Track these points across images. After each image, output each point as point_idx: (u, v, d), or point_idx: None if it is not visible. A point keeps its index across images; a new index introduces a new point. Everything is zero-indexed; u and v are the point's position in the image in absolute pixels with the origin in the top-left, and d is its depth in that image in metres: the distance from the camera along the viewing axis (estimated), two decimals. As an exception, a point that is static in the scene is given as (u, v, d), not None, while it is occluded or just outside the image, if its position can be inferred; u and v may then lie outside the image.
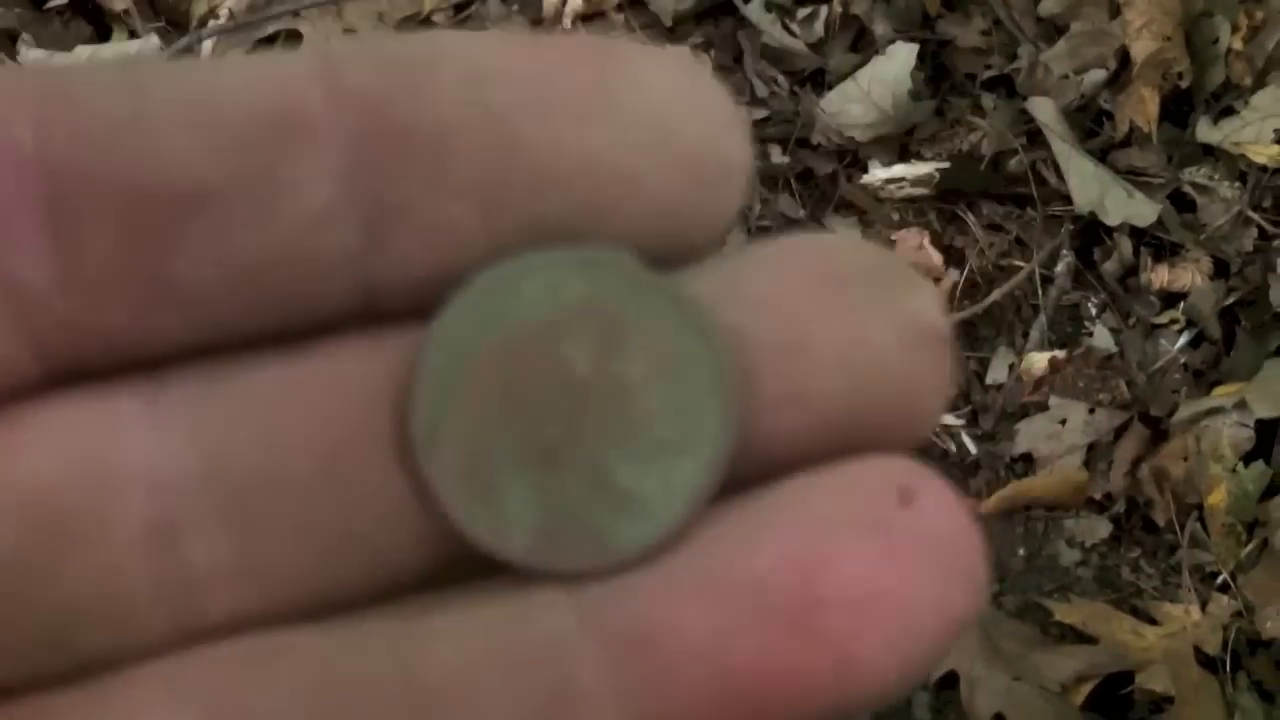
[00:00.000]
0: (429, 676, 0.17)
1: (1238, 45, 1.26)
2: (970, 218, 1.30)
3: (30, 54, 1.30)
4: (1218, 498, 1.16)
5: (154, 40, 1.34)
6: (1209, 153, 1.28)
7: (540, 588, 0.17)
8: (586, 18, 1.37)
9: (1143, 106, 1.27)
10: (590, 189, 0.17)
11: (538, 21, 1.37)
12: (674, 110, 0.17)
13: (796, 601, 0.16)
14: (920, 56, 1.34)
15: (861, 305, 0.18)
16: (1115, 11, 1.29)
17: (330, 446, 0.17)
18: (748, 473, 0.18)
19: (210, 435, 0.17)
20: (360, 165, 0.17)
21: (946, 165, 1.30)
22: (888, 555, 0.17)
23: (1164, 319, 1.25)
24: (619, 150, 0.17)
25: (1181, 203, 1.28)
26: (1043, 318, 1.26)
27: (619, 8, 1.39)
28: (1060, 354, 1.24)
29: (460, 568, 0.18)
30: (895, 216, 1.31)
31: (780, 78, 1.37)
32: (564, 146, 0.17)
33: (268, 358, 0.18)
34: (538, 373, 0.17)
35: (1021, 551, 1.17)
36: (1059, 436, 1.20)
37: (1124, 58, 1.29)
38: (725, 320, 0.17)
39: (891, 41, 1.35)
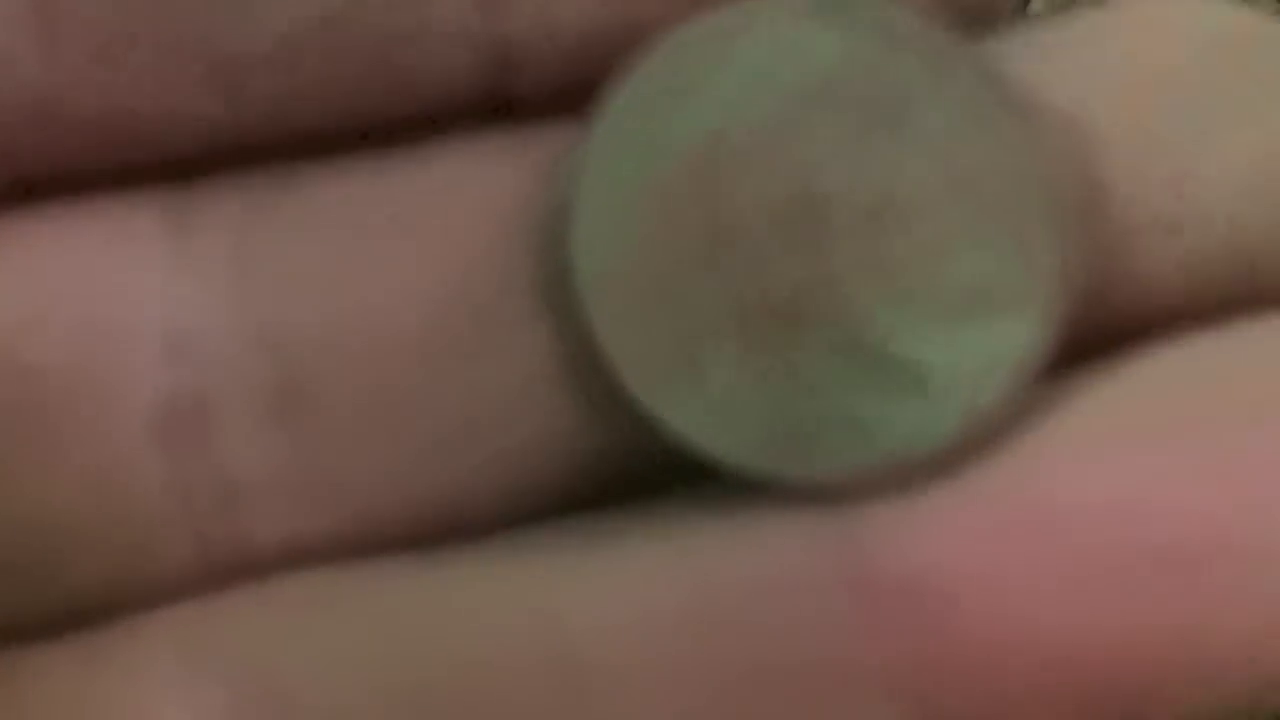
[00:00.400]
0: (584, 636, 0.11)
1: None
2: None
3: None
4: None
5: None
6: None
7: (770, 507, 0.11)
8: None
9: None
10: None
11: None
12: None
13: (1188, 549, 0.11)
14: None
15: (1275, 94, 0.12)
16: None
17: (442, 296, 0.12)
18: (1091, 334, 0.12)
19: (263, 278, 0.12)
20: None
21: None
22: None
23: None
24: None
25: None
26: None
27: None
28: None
29: (641, 476, 0.12)
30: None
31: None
32: None
33: (350, 167, 0.12)
34: (763, 186, 0.11)
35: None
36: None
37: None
38: (1057, 107, 0.12)
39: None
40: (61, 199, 0.12)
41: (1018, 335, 0.11)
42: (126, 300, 0.12)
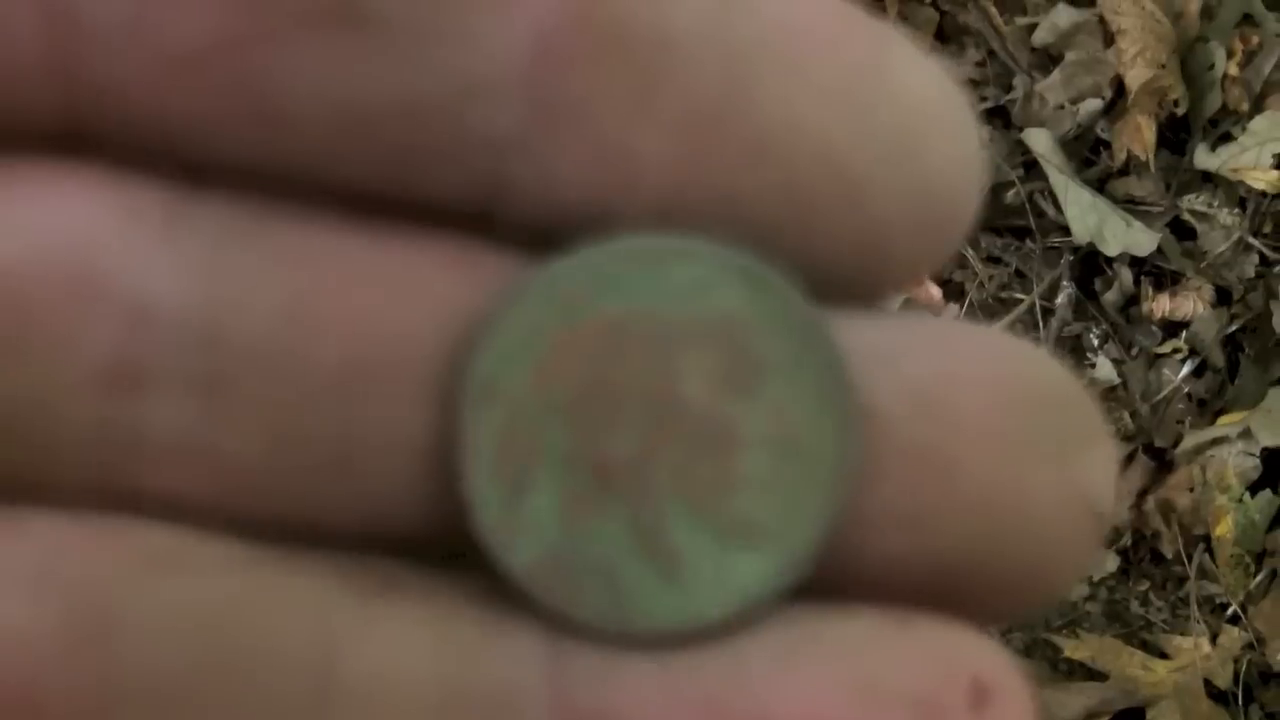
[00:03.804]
0: (350, 677, 0.14)
1: (1233, 70, 1.26)
2: (968, 251, 1.29)
3: None
4: (1225, 528, 1.16)
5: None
6: (1208, 180, 1.27)
7: (518, 626, 0.14)
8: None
9: (1139, 135, 1.26)
10: (814, 182, 0.14)
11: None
12: (931, 122, 0.14)
13: None
14: (913, 88, 1.32)
15: (1036, 443, 0.14)
16: (1109, 40, 1.28)
17: (368, 350, 0.14)
18: (821, 583, 0.14)
19: (229, 280, 0.13)
20: (548, 48, 0.13)
21: (943, 197, 1.29)
22: None
23: (1166, 348, 1.25)
24: (863, 148, 0.14)
25: (1181, 231, 1.27)
26: (1044, 350, 1.26)
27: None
28: (1063, 386, 1.24)
29: (451, 555, 0.14)
30: (892, 250, 1.30)
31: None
32: (805, 122, 0.14)
33: (340, 223, 0.14)
34: (640, 374, 0.14)
35: (1030, 588, 1.17)
36: (1064, 470, 1.20)
37: (1119, 86, 1.28)
38: (873, 399, 0.14)
39: (884, 73, 1.33)
40: (86, 159, 0.13)
41: (770, 571, 0.14)
42: (112, 261, 0.13)
